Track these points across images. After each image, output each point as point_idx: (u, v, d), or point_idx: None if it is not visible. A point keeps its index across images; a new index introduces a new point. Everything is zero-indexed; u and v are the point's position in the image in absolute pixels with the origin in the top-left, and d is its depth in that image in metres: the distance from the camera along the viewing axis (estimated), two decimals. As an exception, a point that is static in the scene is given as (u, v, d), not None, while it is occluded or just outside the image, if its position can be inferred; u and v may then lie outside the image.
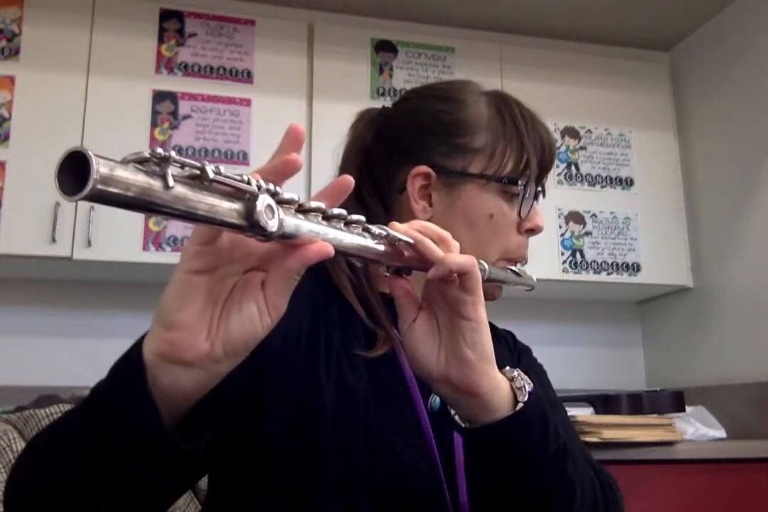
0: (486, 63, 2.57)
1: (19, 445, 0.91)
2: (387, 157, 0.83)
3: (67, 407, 0.98)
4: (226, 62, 2.35)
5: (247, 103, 2.33)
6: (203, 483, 0.96)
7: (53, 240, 2.06)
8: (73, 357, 2.28)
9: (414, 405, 0.73)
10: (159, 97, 2.27)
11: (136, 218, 2.14)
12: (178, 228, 2.16)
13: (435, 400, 0.75)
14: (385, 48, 2.53)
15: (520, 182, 0.79)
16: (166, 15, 2.34)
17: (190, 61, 2.33)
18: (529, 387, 0.62)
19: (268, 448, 0.68)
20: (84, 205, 2.10)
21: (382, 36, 2.53)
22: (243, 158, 2.27)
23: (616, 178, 2.61)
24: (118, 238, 2.12)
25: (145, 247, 2.14)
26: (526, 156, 0.79)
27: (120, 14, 2.29)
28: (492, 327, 0.89)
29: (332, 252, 0.47)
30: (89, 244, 2.08)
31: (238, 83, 2.35)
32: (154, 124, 2.23)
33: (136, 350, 0.49)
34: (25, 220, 2.07)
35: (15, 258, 2.09)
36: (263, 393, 0.68)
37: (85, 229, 2.08)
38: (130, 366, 0.49)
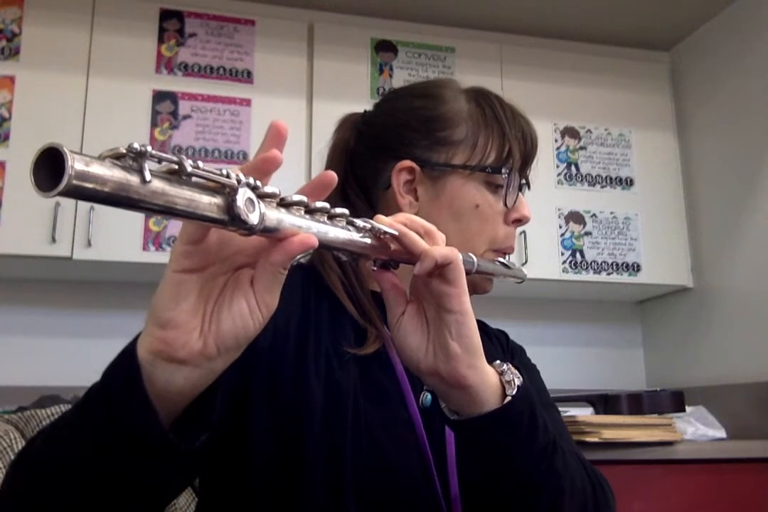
0: (486, 63, 2.57)
1: (20, 446, 0.91)
2: (370, 156, 0.84)
3: (68, 407, 0.97)
4: (226, 62, 2.35)
5: (247, 103, 2.33)
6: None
7: (53, 240, 2.06)
8: (74, 358, 2.27)
9: (405, 401, 0.73)
10: (159, 97, 2.27)
11: (136, 218, 2.14)
12: (178, 228, 2.16)
13: (426, 397, 0.75)
14: (385, 48, 2.53)
15: (503, 171, 0.79)
16: (166, 15, 2.34)
17: (190, 61, 2.33)
18: (518, 381, 0.61)
19: (256, 444, 0.68)
20: (84, 205, 2.10)
21: (382, 36, 2.54)
22: (243, 158, 2.27)
23: (616, 178, 2.61)
24: (118, 238, 2.12)
25: (145, 247, 2.14)
26: (509, 145, 0.80)
27: (120, 14, 2.29)
28: (484, 326, 0.89)
29: (315, 243, 0.47)
30: (89, 244, 2.08)
31: (238, 83, 2.35)
32: (154, 124, 2.23)
33: (130, 350, 0.49)
34: (25, 220, 2.07)
35: (15, 258, 2.09)
36: (252, 389, 0.68)
37: (85, 229, 2.09)
38: (126, 366, 0.49)
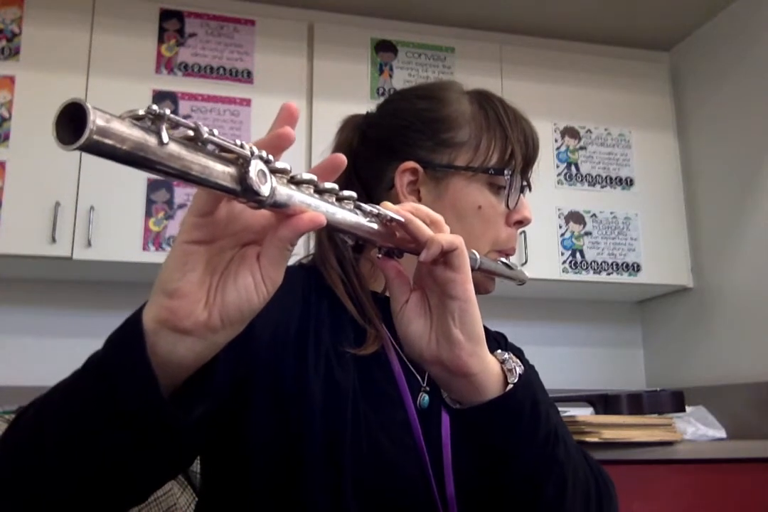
0: (486, 63, 2.57)
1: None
2: (374, 157, 0.85)
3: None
4: (226, 62, 2.36)
5: (247, 103, 2.33)
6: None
7: (53, 240, 2.06)
8: (74, 358, 2.25)
9: (403, 402, 0.74)
10: (159, 97, 2.27)
11: (136, 218, 2.14)
12: (178, 228, 2.16)
13: (424, 398, 0.75)
14: (385, 48, 2.53)
15: (506, 172, 0.80)
16: (166, 15, 2.34)
17: (190, 61, 2.33)
18: (519, 369, 0.62)
19: (255, 443, 0.68)
20: (84, 205, 2.10)
21: (382, 36, 2.54)
22: (243, 158, 2.27)
23: (616, 178, 2.61)
24: (118, 238, 2.12)
25: (145, 247, 2.14)
26: (511, 147, 0.81)
27: (120, 14, 2.29)
28: (484, 328, 0.89)
29: (324, 222, 0.48)
30: (89, 244, 2.08)
31: (238, 83, 2.35)
32: (154, 124, 2.23)
33: (135, 318, 0.49)
34: (25, 220, 2.07)
35: (15, 258, 2.09)
36: (251, 386, 0.68)
37: (85, 229, 2.08)
38: (129, 333, 0.49)
